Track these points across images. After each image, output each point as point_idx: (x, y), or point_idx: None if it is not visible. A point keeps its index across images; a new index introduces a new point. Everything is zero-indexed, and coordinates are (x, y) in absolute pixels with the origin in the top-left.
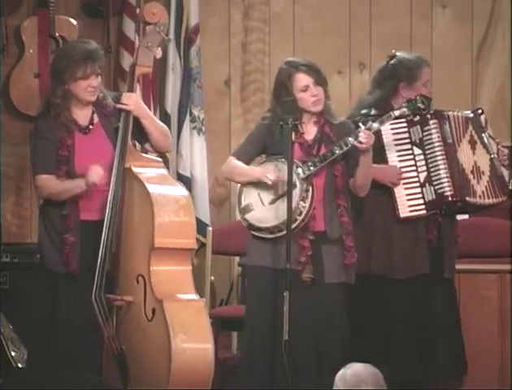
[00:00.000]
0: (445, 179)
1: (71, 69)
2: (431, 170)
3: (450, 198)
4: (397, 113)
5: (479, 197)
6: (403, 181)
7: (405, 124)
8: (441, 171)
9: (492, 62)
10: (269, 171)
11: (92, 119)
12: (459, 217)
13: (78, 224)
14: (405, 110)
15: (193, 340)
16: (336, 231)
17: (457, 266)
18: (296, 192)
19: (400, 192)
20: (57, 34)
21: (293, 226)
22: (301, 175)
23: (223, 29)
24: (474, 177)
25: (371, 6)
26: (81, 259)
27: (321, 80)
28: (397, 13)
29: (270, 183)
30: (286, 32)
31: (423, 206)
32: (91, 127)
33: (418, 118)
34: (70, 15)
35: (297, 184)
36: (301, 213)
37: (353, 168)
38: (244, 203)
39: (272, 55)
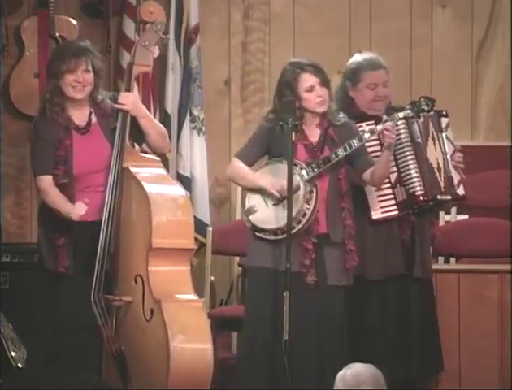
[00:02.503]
0: (416, 179)
1: (58, 64)
2: (402, 170)
3: (422, 198)
4: (400, 115)
5: (443, 192)
6: None
7: (374, 126)
8: (411, 171)
9: (492, 62)
10: (275, 184)
11: (89, 119)
12: (459, 217)
13: (70, 225)
14: (408, 112)
15: (191, 340)
16: (339, 233)
17: (458, 266)
18: (300, 194)
19: (371, 194)
20: (57, 34)
21: (297, 228)
22: (305, 176)
23: (223, 29)
24: (439, 174)
25: (371, 6)
26: (79, 260)
27: (326, 81)
28: (397, 13)
29: (278, 196)
30: (286, 32)
31: (394, 207)
32: (89, 127)
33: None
34: (70, 15)
35: (301, 185)
36: (304, 215)
37: (364, 164)
38: (248, 205)
39: (272, 55)
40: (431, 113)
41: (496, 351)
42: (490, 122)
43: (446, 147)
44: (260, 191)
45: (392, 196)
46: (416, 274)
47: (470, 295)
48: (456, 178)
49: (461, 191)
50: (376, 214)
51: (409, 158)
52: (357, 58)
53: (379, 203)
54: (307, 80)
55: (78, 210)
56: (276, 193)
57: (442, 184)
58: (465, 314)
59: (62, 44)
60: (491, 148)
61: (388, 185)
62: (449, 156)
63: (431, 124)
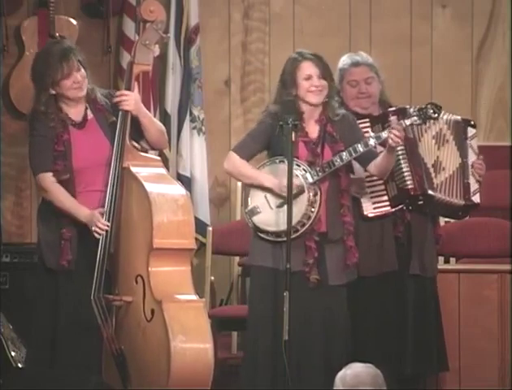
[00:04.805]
0: (406, 174)
1: (50, 74)
2: (393, 165)
3: (412, 192)
4: (407, 122)
5: (434, 189)
6: (367, 180)
7: (368, 124)
8: (402, 166)
9: (492, 62)
10: (281, 186)
11: (86, 115)
12: None
13: (73, 220)
14: (415, 119)
15: (192, 340)
16: (338, 231)
17: (458, 266)
18: (304, 197)
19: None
20: (57, 34)
21: (301, 231)
22: (310, 180)
23: (223, 29)
24: (434, 171)
25: (371, 6)
26: (80, 258)
27: (326, 74)
28: (397, 13)
29: (284, 194)
30: (286, 32)
31: (387, 203)
32: (85, 122)
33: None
34: (70, 15)
35: (306, 189)
36: (309, 218)
37: (368, 157)
38: (251, 205)
39: (272, 55)
40: (459, 120)
41: (496, 351)
42: (490, 122)
43: (468, 155)
44: (264, 191)
45: (384, 192)
46: (413, 271)
47: (470, 295)
48: (473, 186)
49: (476, 199)
50: (369, 211)
51: (399, 152)
52: (344, 57)
53: (372, 199)
54: (306, 68)
55: (95, 219)
56: (280, 192)
57: (437, 181)
58: (465, 314)
59: (43, 52)
60: (491, 148)
61: (381, 182)
62: (469, 164)
63: (450, 129)
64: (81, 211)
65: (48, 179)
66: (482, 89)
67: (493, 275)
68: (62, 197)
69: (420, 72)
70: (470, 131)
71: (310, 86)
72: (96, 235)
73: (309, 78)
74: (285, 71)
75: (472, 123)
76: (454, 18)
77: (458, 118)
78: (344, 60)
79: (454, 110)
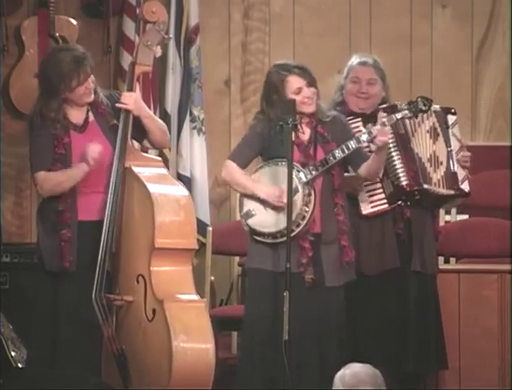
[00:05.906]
0: (400, 170)
1: (65, 82)
2: (387, 162)
3: (407, 188)
4: (398, 115)
5: (434, 184)
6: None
7: (360, 123)
8: (395, 163)
9: (492, 62)
10: (272, 194)
11: (87, 117)
12: (459, 217)
13: (75, 221)
14: (406, 112)
15: (193, 340)
16: (332, 231)
17: (458, 266)
18: (299, 197)
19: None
20: (57, 34)
21: (297, 231)
22: (303, 179)
23: (223, 29)
24: (431, 165)
25: (371, 6)
26: (80, 259)
27: (312, 81)
28: (397, 13)
29: (277, 205)
30: (286, 32)
31: (384, 200)
32: (86, 125)
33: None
34: (70, 15)
35: (299, 188)
36: (304, 217)
37: (359, 159)
38: (245, 208)
39: (272, 55)
40: (438, 109)
41: (496, 351)
42: (490, 122)
43: (452, 144)
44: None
45: (381, 190)
46: (414, 267)
47: (470, 295)
48: (460, 174)
49: (466, 187)
50: (366, 209)
51: (392, 149)
52: (355, 56)
53: (369, 198)
54: (294, 82)
55: (92, 152)
56: (276, 204)
57: (437, 176)
58: (465, 314)
59: (53, 59)
60: (491, 148)
61: (377, 180)
62: (454, 152)
63: (434, 119)
64: (80, 165)
65: (43, 174)
66: (482, 89)
67: (493, 275)
68: (60, 176)
69: (420, 72)
70: (451, 118)
71: (303, 98)
72: (96, 154)
73: (299, 91)
74: (270, 85)
75: (452, 110)
76: (454, 18)
77: (438, 107)
78: (354, 59)
79: None
